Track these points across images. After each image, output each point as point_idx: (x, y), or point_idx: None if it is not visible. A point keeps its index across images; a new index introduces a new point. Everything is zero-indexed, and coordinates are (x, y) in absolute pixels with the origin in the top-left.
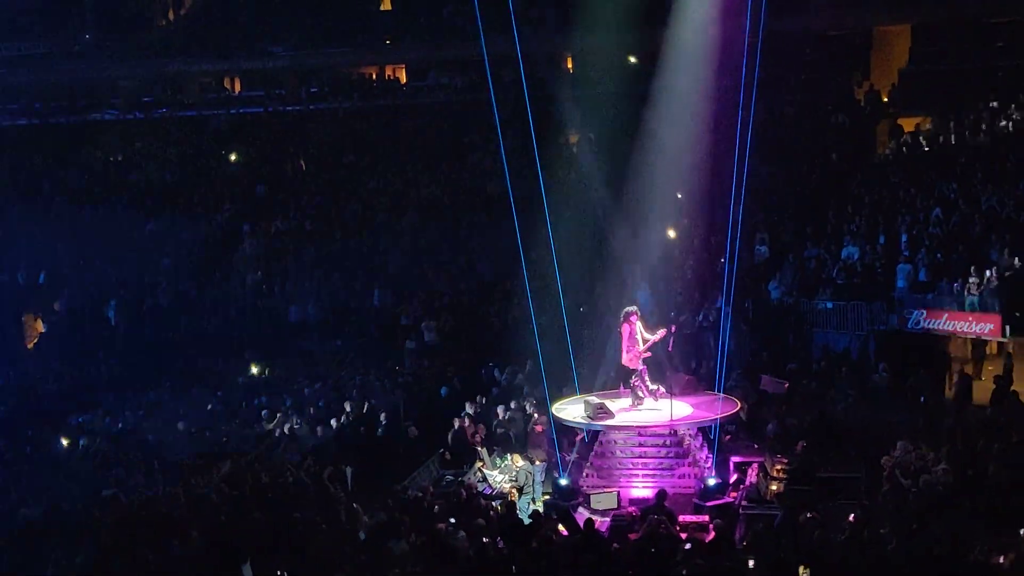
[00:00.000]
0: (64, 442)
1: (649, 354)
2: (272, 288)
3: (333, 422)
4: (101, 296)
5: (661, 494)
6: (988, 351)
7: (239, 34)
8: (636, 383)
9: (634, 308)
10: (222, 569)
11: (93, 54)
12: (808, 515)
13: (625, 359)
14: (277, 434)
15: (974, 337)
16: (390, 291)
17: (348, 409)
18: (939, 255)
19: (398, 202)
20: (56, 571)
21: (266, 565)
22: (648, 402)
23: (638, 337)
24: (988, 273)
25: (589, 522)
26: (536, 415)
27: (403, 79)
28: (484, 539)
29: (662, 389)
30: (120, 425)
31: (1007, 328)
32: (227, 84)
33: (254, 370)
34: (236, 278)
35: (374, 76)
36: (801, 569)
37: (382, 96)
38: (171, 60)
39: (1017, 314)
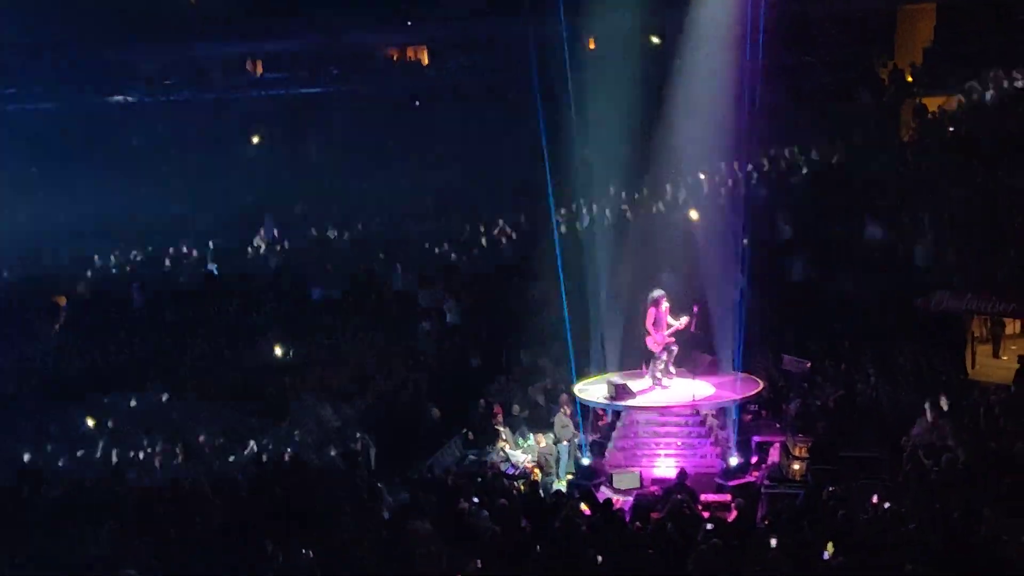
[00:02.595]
0: (89, 421)
1: (672, 340)
2: (294, 269)
3: (357, 402)
4: (125, 277)
5: (682, 474)
6: (1009, 330)
7: (261, 16)
8: (656, 364)
9: (662, 293)
10: (244, 547)
11: (114, 37)
12: (830, 490)
13: (649, 342)
14: (301, 414)
15: (996, 316)
16: (412, 272)
17: (371, 389)
18: (962, 234)
19: (420, 183)
20: (79, 549)
21: (289, 544)
22: (667, 382)
23: (664, 322)
24: (1011, 253)
25: (609, 502)
26: (562, 395)
27: (425, 60)
28: (507, 518)
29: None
30: (143, 405)
31: None
32: (249, 67)
33: (277, 350)
34: (258, 260)
35: (396, 57)
36: (829, 545)
37: (404, 77)
38: (194, 43)
39: None
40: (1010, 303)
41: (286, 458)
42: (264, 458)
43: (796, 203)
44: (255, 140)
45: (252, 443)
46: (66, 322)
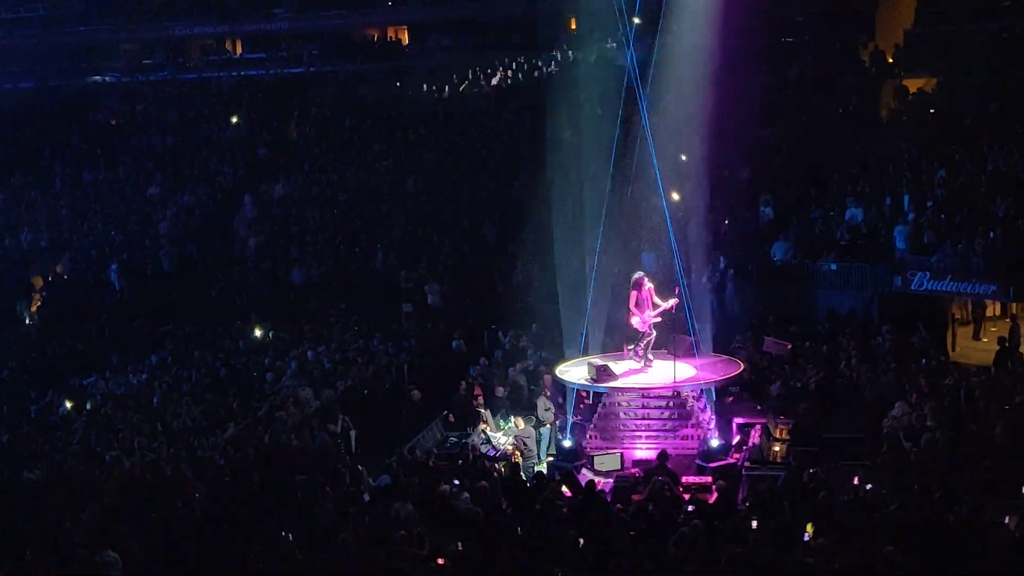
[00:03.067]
0: (68, 404)
1: (660, 319)
2: (274, 251)
3: (338, 384)
4: (103, 259)
5: (662, 455)
6: (989, 312)
7: None
8: (638, 346)
9: (642, 274)
10: (225, 530)
11: (94, 17)
12: (811, 472)
13: (635, 322)
14: (281, 397)
15: (976, 299)
16: (393, 253)
17: (352, 372)
18: (943, 216)
19: (401, 164)
20: (59, 533)
21: (270, 527)
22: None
23: (649, 302)
24: (992, 235)
25: (591, 483)
26: (544, 377)
27: (405, 41)
28: (488, 501)
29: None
30: (123, 388)
31: (1011, 290)
32: (229, 47)
33: (257, 333)
34: (238, 241)
35: (376, 38)
36: (808, 527)
37: (384, 58)
38: (174, 23)
39: (1021, 276)
40: (991, 285)
41: (267, 441)
42: (245, 441)
43: (778, 186)
44: (234, 120)
45: (232, 425)
46: (44, 303)
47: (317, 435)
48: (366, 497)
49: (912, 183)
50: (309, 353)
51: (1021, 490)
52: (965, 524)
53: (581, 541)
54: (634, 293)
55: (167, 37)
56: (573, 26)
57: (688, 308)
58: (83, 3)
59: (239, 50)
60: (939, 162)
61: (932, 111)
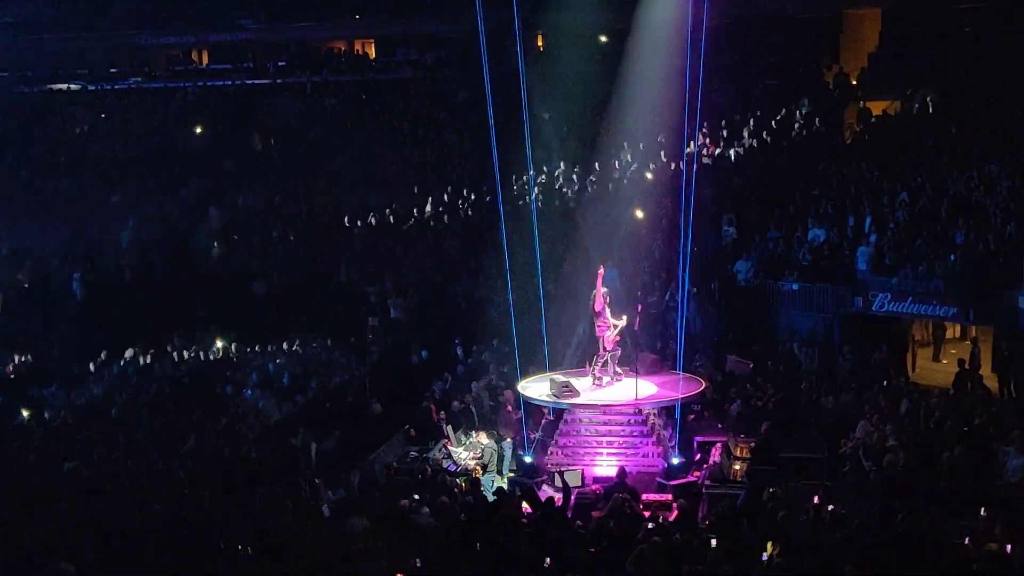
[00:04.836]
0: (24, 413)
1: (619, 338)
2: (237, 262)
3: (298, 397)
4: (65, 268)
5: (621, 472)
6: (949, 334)
7: (208, 6)
8: (601, 362)
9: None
10: (184, 543)
11: (60, 24)
12: (770, 491)
13: (605, 340)
14: (242, 409)
15: (936, 321)
16: (356, 267)
17: (313, 385)
18: (904, 238)
19: (365, 178)
20: (15, 540)
21: (228, 540)
22: (606, 382)
23: (602, 291)
24: (953, 258)
25: (550, 500)
26: (505, 393)
27: (372, 54)
28: (448, 516)
29: (620, 373)
30: (82, 398)
31: (971, 313)
32: (195, 57)
33: (219, 344)
34: (201, 252)
35: (343, 50)
36: (770, 545)
37: (351, 71)
38: (139, 31)
39: (981, 299)
40: (951, 307)
41: (226, 453)
42: (204, 453)
43: (741, 205)
44: (198, 130)
45: (192, 437)
46: (2, 312)
47: (276, 448)
48: (325, 511)
49: (874, 205)
50: (270, 365)
51: (980, 511)
52: (925, 544)
53: (541, 557)
54: (599, 284)
55: (133, 46)
56: (540, 42)
57: (650, 326)
58: (49, 10)
59: (205, 60)
60: (901, 184)
61: (894, 133)
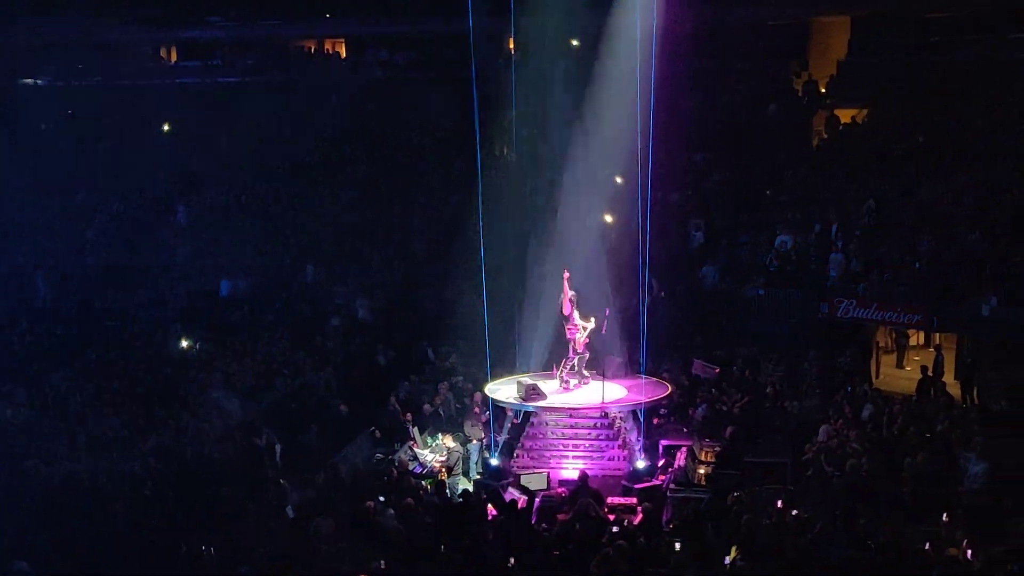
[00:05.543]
0: None
1: (588, 341)
2: (203, 262)
3: (263, 398)
4: (29, 266)
5: (583, 476)
6: (913, 341)
7: (176, 3)
8: (569, 364)
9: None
10: (145, 543)
11: (26, 18)
12: (735, 495)
13: (575, 343)
14: (205, 409)
15: (901, 327)
16: (323, 268)
17: (278, 385)
18: (870, 245)
19: (333, 178)
20: None
21: (191, 541)
22: (573, 385)
23: (569, 294)
24: (918, 266)
25: (514, 503)
26: (473, 394)
27: (343, 53)
28: (413, 518)
29: (587, 376)
30: (44, 396)
31: (934, 320)
32: (163, 54)
33: (183, 344)
34: (167, 251)
35: (313, 50)
36: (732, 549)
37: (320, 70)
38: (107, 28)
39: (945, 307)
40: (915, 314)
41: (189, 453)
42: (167, 453)
43: (709, 210)
44: (166, 128)
45: (154, 437)
46: None
47: (240, 448)
48: (289, 512)
49: (841, 212)
50: (235, 365)
51: (942, 517)
52: (886, 549)
53: (505, 560)
54: (565, 288)
55: (100, 42)
56: (511, 45)
57: (617, 329)
58: (13, 4)
59: (173, 58)
60: (868, 192)
61: (863, 141)
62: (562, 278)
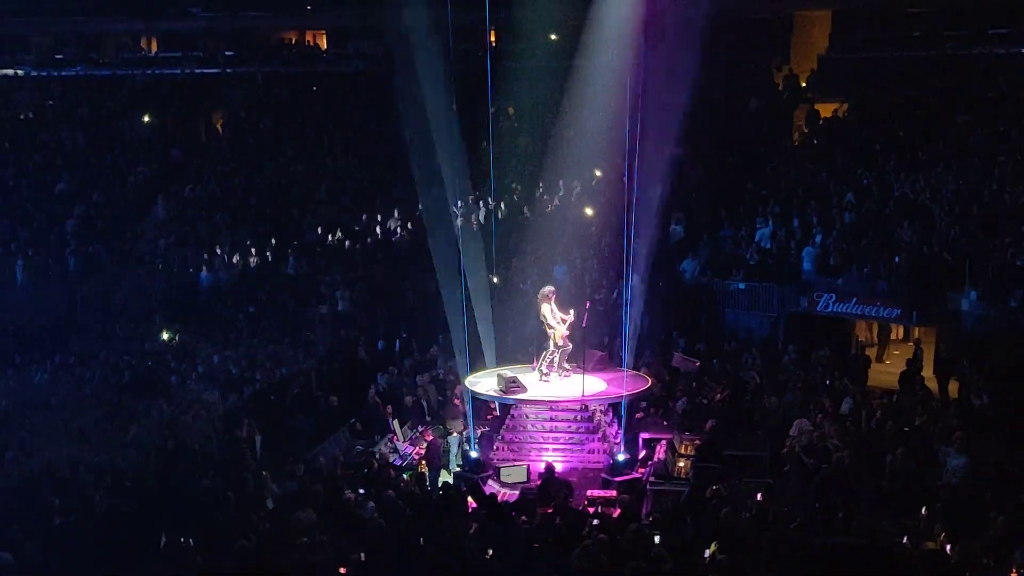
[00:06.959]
0: None
1: (568, 333)
2: (184, 253)
3: (245, 389)
4: (8, 255)
5: (549, 468)
6: (893, 335)
7: None
8: (549, 357)
9: (552, 288)
10: (125, 533)
11: (6, 7)
12: (714, 488)
13: (556, 336)
14: (186, 400)
15: (881, 321)
16: (305, 259)
17: (259, 377)
18: (850, 240)
19: (314, 169)
20: None
21: (171, 532)
22: (553, 378)
23: (557, 316)
24: (897, 259)
25: (493, 496)
26: (453, 387)
27: (323, 45)
28: (393, 510)
29: (568, 369)
30: (24, 387)
31: (914, 314)
32: (144, 44)
33: (164, 335)
34: (148, 242)
35: (294, 41)
36: (712, 545)
37: (301, 62)
38: (87, 18)
39: (924, 301)
40: (895, 309)
41: (170, 445)
42: (147, 444)
43: (689, 204)
44: (147, 119)
45: (134, 427)
46: None
47: (221, 440)
48: (269, 503)
49: (820, 206)
50: (216, 357)
51: (920, 511)
52: (864, 542)
53: (484, 552)
54: (546, 307)
55: (80, 32)
56: (493, 38)
57: (597, 322)
58: None
59: (154, 48)
60: (848, 186)
61: (843, 135)
62: (548, 299)
